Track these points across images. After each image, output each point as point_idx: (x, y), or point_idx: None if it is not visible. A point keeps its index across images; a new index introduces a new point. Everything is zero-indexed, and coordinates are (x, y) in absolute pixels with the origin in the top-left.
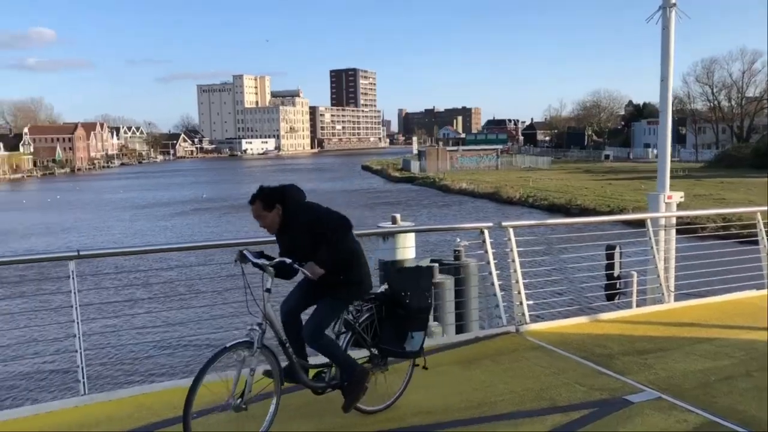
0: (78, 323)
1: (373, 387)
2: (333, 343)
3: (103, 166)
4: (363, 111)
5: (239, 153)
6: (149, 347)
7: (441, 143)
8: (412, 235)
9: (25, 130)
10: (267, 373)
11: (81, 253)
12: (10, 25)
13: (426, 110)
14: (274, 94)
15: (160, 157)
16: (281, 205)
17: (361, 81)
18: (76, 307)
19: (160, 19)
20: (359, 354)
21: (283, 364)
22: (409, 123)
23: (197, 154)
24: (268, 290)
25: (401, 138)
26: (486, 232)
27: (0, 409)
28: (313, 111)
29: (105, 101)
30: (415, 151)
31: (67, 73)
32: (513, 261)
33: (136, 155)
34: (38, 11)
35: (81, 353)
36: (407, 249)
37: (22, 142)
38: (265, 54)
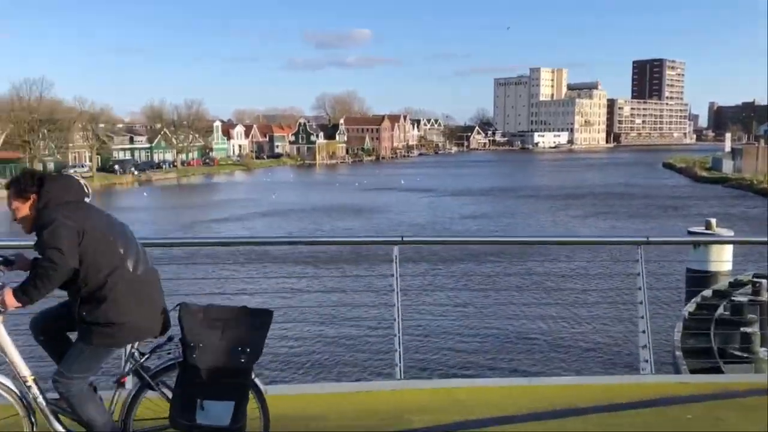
0: (398, 307)
1: None
2: (85, 396)
3: (404, 156)
4: (667, 104)
5: (530, 146)
6: (470, 340)
7: (762, 141)
8: (729, 245)
9: (341, 120)
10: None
11: (404, 238)
12: (336, 26)
13: (743, 103)
14: (570, 87)
15: (454, 149)
16: (37, 196)
17: (667, 72)
18: (397, 291)
19: (461, 15)
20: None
21: None
22: (721, 117)
23: (489, 146)
24: None
25: (711, 134)
26: None
27: (326, 381)
28: (611, 104)
29: (408, 95)
30: (728, 149)
31: (377, 69)
32: None
33: (433, 146)
34: (359, 13)
35: (399, 337)
36: (723, 262)
37: (338, 131)
38: (564, 46)
